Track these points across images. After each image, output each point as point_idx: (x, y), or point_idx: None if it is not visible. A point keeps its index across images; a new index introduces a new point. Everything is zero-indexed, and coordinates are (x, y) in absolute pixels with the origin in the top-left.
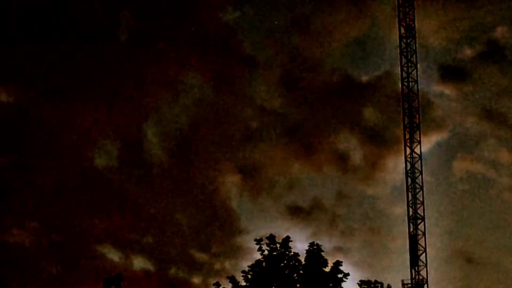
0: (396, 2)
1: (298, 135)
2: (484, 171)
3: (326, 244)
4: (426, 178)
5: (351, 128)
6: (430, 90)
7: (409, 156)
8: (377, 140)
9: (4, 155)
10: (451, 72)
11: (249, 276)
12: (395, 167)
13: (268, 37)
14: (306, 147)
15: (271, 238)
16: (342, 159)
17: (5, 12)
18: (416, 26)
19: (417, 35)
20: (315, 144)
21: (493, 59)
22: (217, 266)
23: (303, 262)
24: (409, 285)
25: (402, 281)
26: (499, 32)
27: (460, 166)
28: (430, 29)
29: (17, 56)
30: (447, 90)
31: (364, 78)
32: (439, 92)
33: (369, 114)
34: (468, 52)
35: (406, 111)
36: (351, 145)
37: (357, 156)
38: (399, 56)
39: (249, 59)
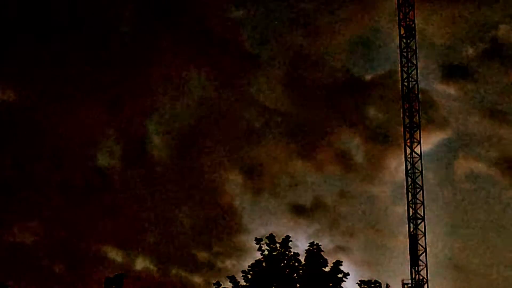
0: (396, 3)
1: (301, 134)
2: (486, 170)
3: (328, 243)
4: (428, 177)
5: (353, 127)
6: (433, 89)
7: (409, 156)
8: (380, 139)
9: (7, 154)
10: (454, 71)
11: (249, 276)
12: (397, 166)
13: (271, 35)
14: (308, 146)
15: (271, 238)
16: (344, 158)
17: (7, 12)
18: (418, 25)
19: (419, 34)
20: (317, 143)
21: (496, 57)
22: (219, 265)
23: (303, 262)
24: (409, 285)
25: (402, 281)
26: (502, 30)
27: (463, 165)
28: (432, 27)
29: (19, 56)
30: (450, 89)
31: (367, 77)
32: (441, 91)
33: (372, 113)
34: (470, 50)
35: (407, 111)
36: (354, 144)
37: (359, 155)
38: (399, 56)
39: (252, 58)
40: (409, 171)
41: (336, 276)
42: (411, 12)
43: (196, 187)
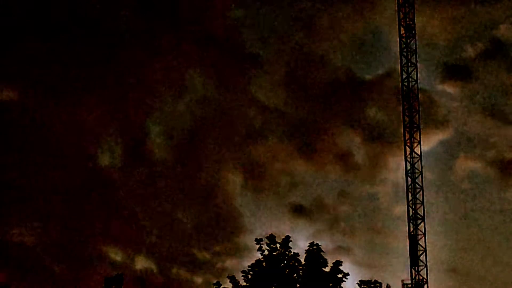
0: (396, 3)
1: (301, 134)
2: (487, 170)
3: (328, 243)
4: (429, 177)
5: (353, 126)
6: (433, 89)
7: (409, 156)
8: (380, 139)
9: (7, 154)
10: (454, 71)
11: (249, 276)
12: (397, 166)
13: (272, 35)
14: (308, 146)
15: (271, 238)
16: (344, 158)
17: (7, 12)
18: (419, 25)
19: (420, 34)
20: (317, 142)
21: (496, 57)
22: (219, 265)
23: (303, 262)
24: (409, 285)
25: (402, 281)
26: (502, 30)
27: (463, 165)
28: (432, 27)
29: (20, 55)
30: (450, 89)
31: (367, 77)
32: (442, 91)
33: (372, 112)
34: (471, 50)
35: (407, 111)
36: (354, 144)
37: (359, 155)
38: (399, 56)
39: (252, 57)
40: (409, 171)
41: (336, 276)
42: (411, 12)
43: (196, 187)
